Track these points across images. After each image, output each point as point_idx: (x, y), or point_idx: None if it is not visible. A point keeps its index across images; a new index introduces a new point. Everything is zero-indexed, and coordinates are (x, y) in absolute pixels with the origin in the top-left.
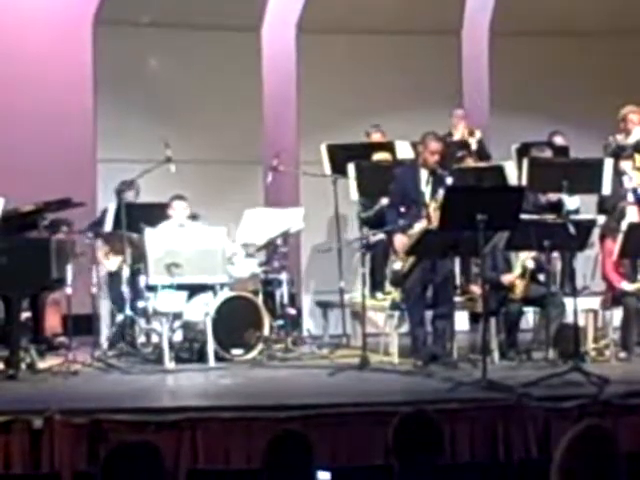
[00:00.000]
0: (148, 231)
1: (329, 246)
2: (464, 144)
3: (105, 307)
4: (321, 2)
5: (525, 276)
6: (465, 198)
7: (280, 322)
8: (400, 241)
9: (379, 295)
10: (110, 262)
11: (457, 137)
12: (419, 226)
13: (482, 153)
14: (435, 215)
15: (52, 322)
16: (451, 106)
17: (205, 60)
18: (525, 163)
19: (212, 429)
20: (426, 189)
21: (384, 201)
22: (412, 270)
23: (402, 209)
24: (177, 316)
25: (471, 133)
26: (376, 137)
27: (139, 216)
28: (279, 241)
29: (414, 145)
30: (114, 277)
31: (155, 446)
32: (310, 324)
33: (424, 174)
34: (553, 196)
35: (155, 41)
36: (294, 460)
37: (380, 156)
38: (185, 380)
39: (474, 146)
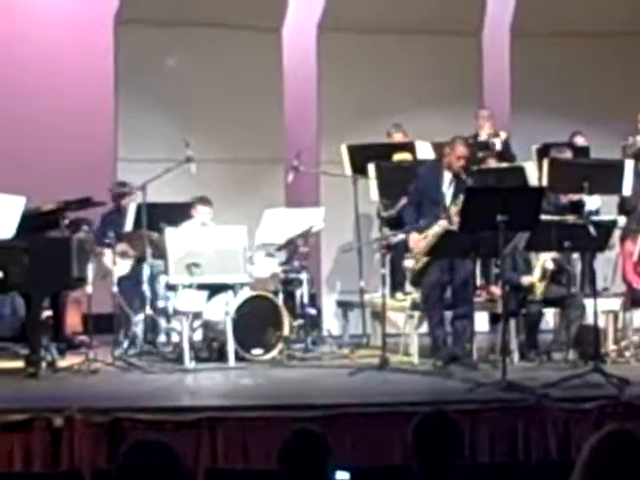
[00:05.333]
0: (168, 231)
1: (350, 246)
2: (487, 145)
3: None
4: (342, 2)
5: (545, 277)
6: (485, 199)
7: (300, 322)
8: (414, 240)
9: (399, 295)
10: (119, 267)
11: (483, 138)
12: (437, 226)
13: (506, 154)
14: (456, 220)
15: (73, 321)
16: (472, 107)
17: (226, 59)
18: (545, 164)
19: (231, 429)
20: (447, 191)
21: (404, 201)
22: (426, 268)
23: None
24: (197, 315)
25: (496, 134)
26: (398, 137)
27: (160, 216)
28: (299, 241)
29: (435, 146)
30: (126, 280)
31: (170, 446)
32: (330, 324)
33: (447, 176)
34: (574, 196)
35: (176, 40)
36: (309, 459)
37: (401, 156)
38: (205, 380)
39: (498, 146)
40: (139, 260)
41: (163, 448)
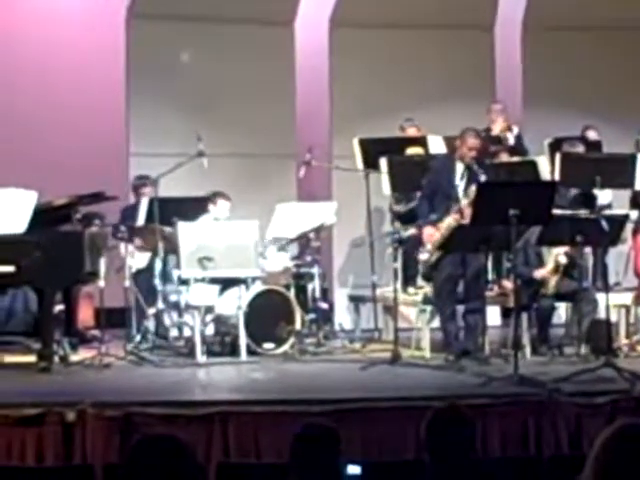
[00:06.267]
0: (181, 225)
1: (361, 240)
2: (499, 139)
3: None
4: None
5: (557, 271)
6: (497, 193)
7: (312, 316)
8: (428, 233)
9: (411, 290)
10: (137, 260)
11: (496, 132)
12: (449, 220)
13: (519, 149)
14: (468, 212)
15: (85, 315)
16: (484, 101)
17: (238, 54)
18: (558, 158)
19: (243, 423)
20: (460, 183)
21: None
22: (439, 263)
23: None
24: (209, 310)
25: (508, 128)
26: (411, 131)
27: (172, 210)
28: (311, 235)
29: (447, 140)
30: (142, 273)
31: (179, 439)
32: (342, 318)
33: (459, 168)
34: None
35: (188, 35)
36: (321, 453)
37: (413, 150)
38: (217, 374)
39: (511, 141)
40: (155, 253)
41: (172, 442)
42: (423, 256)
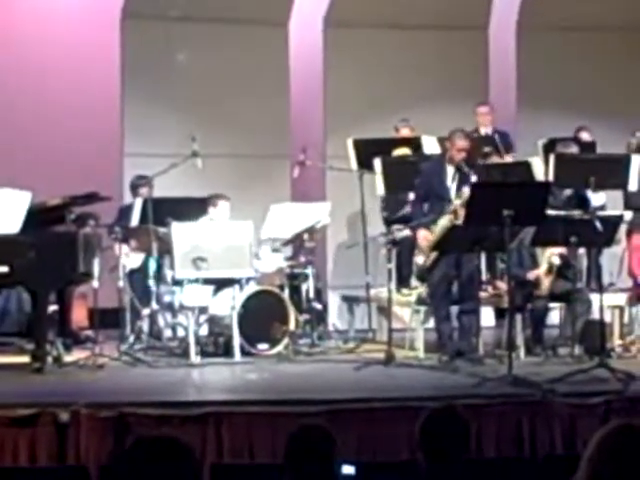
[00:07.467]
0: (174, 225)
1: (355, 241)
2: (490, 139)
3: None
4: None
5: (551, 272)
6: (491, 193)
7: (306, 317)
8: (423, 237)
9: (405, 290)
10: (131, 259)
11: (487, 132)
12: (443, 222)
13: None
14: (461, 212)
15: (79, 316)
16: (478, 101)
17: (232, 54)
18: (552, 159)
19: (237, 423)
20: (451, 185)
21: (408, 209)
22: (435, 265)
23: (426, 206)
24: (203, 310)
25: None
26: (405, 132)
27: (166, 210)
28: (305, 236)
29: (440, 140)
30: (136, 273)
31: (179, 441)
32: (336, 319)
33: (450, 170)
34: None
35: (182, 35)
36: (315, 454)
37: (400, 151)
38: (211, 374)
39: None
40: (149, 254)
41: (172, 444)
42: (419, 259)
